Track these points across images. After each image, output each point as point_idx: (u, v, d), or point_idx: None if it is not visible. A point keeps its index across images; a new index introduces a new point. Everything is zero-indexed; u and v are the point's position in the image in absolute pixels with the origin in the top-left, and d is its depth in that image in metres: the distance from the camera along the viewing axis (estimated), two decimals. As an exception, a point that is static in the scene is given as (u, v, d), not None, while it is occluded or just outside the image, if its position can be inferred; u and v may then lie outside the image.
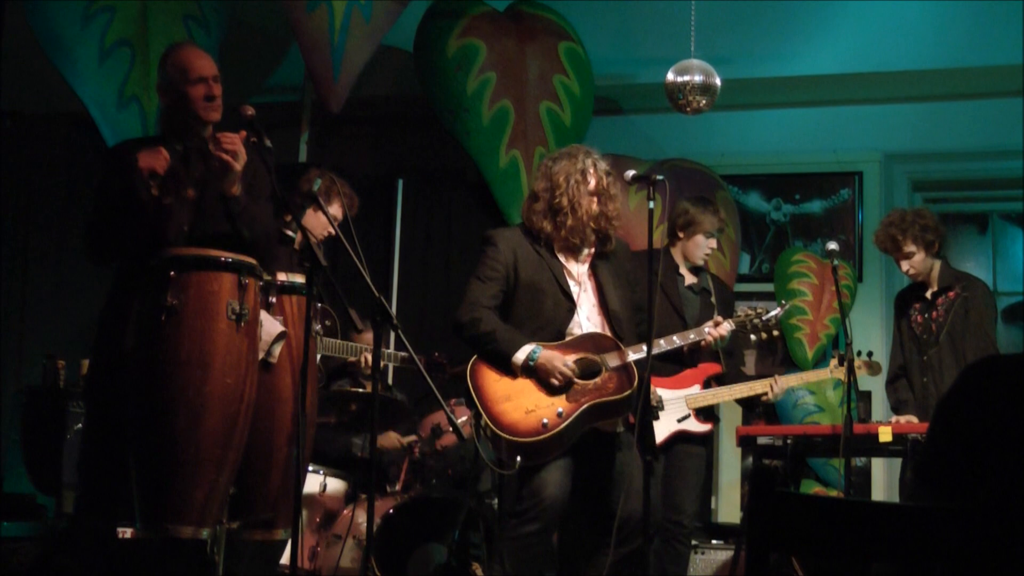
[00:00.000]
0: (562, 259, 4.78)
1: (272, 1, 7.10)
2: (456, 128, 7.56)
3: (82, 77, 6.69)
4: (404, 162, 8.76)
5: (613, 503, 4.64)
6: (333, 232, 5.41)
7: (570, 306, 4.72)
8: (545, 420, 4.55)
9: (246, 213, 4.21)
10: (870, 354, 5.86)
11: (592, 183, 4.70)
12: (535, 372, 4.61)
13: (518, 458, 4.62)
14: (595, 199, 4.71)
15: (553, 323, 4.70)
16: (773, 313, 5.37)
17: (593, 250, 4.82)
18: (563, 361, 4.60)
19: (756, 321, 5.33)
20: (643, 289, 4.83)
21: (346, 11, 6.79)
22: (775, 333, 5.48)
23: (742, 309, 5.30)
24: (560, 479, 4.61)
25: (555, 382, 4.59)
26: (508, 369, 4.64)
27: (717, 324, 5.09)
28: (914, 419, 5.77)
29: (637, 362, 4.70)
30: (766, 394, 5.82)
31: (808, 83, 8.18)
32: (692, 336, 5.02)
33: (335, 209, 5.38)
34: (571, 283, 4.75)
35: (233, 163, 4.13)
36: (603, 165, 4.77)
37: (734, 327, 5.24)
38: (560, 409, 4.58)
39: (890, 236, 5.89)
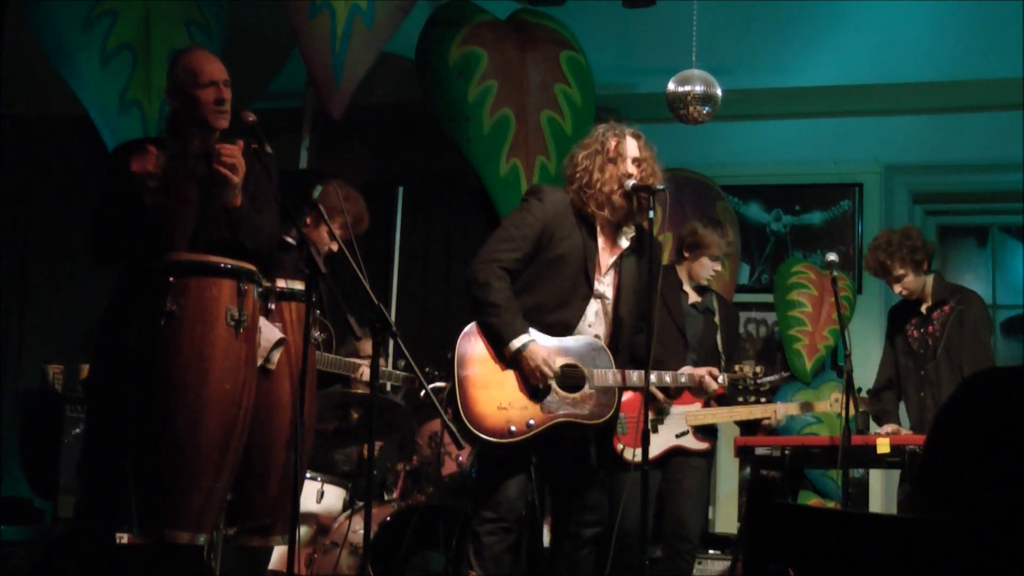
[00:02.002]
0: (600, 242, 4.67)
1: (274, 7, 7.11)
2: (457, 136, 7.56)
3: (84, 81, 6.69)
4: (405, 169, 8.76)
5: (573, 501, 4.63)
6: (335, 249, 5.41)
7: (586, 292, 4.62)
8: (513, 427, 4.48)
9: (247, 223, 4.20)
10: (870, 391, 5.91)
11: (611, 150, 4.61)
12: (519, 363, 4.52)
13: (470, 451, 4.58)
14: (614, 165, 4.60)
15: (564, 305, 4.60)
16: (769, 379, 5.25)
17: (630, 240, 4.70)
18: (547, 361, 4.51)
19: (750, 384, 5.19)
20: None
21: (348, 17, 6.79)
22: (763, 399, 5.46)
23: (740, 367, 5.22)
24: (520, 479, 4.58)
25: (532, 381, 4.51)
26: (498, 349, 4.54)
27: (713, 376, 4.90)
28: (896, 428, 5.81)
29: (621, 389, 4.63)
30: (768, 419, 5.84)
31: (809, 94, 8.18)
32: (683, 380, 4.87)
33: (337, 226, 5.34)
34: (597, 272, 4.65)
35: (231, 176, 4.12)
36: (627, 130, 4.67)
37: (726, 384, 5.12)
38: (531, 420, 4.50)
39: (879, 261, 5.90)
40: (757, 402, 5.42)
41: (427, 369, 5.90)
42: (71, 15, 6.62)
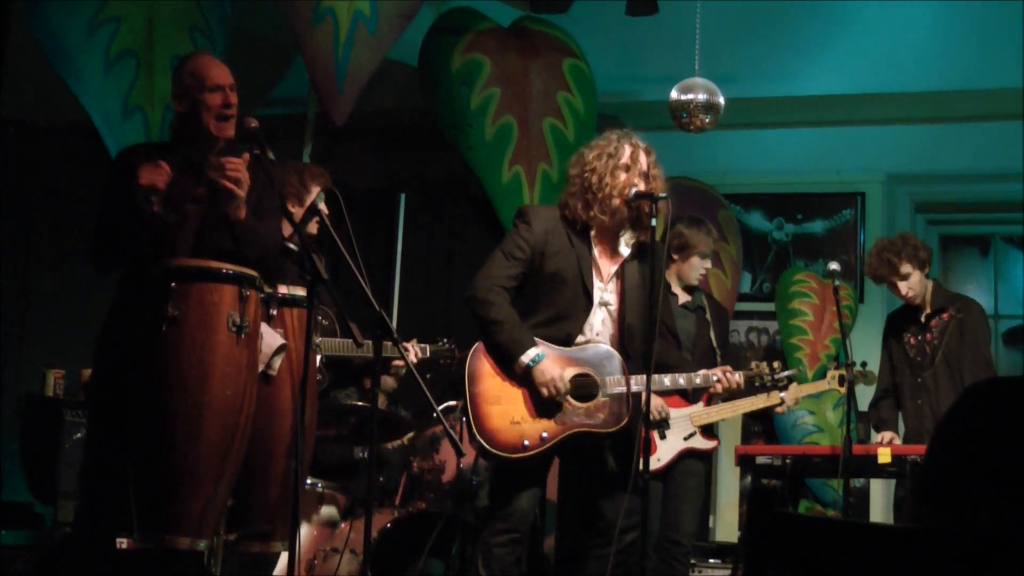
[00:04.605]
0: (596, 251, 4.65)
1: (277, 12, 7.11)
2: (459, 143, 7.56)
3: (86, 87, 6.69)
4: (407, 176, 8.77)
5: (603, 505, 4.61)
6: (324, 214, 5.38)
7: (587, 304, 4.60)
8: (527, 441, 4.47)
9: (251, 235, 4.19)
10: (864, 364, 5.87)
11: (624, 157, 4.57)
12: (531, 378, 4.51)
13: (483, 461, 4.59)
14: (626, 172, 4.55)
15: (566, 319, 4.58)
16: (785, 374, 5.16)
17: (630, 246, 4.67)
18: (560, 376, 4.50)
19: (767, 379, 5.09)
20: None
21: (351, 24, 6.79)
22: (780, 396, 5.44)
23: (756, 364, 5.20)
24: (532, 489, 4.58)
25: (544, 393, 4.49)
26: (507, 364, 4.52)
27: (728, 374, 4.86)
28: (892, 436, 5.80)
29: (636, 396, 4.59)
30: (780, 404, 5.80)
31: (812, 103, 8.19)
32: (698, 381, 4.84)
33: (314, 193, 5.33)
34: (596, 281, 4.61)
35: (236, 190, 4.11)
36: (641, 143, 4.63)
37: (742, 382, 5.11)
38: (545, 433, 4.48)
39: (886, 261, 5.90)
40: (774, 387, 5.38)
41: (442, 343, 5.86)
42: (74, 21, 6.62)
